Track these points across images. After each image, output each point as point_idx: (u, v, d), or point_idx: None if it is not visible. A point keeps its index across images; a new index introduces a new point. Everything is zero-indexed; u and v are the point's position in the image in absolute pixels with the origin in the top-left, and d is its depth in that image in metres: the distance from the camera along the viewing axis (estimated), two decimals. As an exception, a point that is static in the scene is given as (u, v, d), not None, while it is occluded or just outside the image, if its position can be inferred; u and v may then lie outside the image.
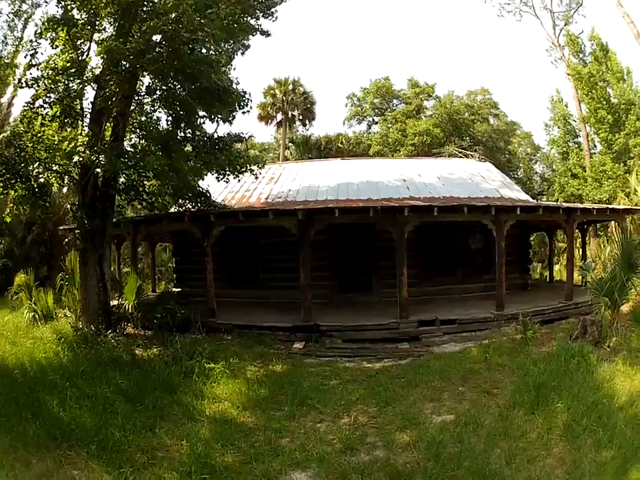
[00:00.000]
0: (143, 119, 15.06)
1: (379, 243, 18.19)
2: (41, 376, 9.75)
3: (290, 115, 48.05)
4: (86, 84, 12.42)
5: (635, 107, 30.81)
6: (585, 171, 34.10)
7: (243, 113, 15.34)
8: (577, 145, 38.03)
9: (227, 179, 16.43)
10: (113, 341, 12.13)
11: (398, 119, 49.20)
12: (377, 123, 54.10)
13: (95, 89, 12.89)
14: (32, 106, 12.61)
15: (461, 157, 30.89)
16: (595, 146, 35.88)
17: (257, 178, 17.71)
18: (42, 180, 13.31)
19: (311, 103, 48.78)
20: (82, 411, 8.22)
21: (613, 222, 21.81)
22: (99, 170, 12.86)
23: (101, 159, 11.82)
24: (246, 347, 12.73)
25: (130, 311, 13.36)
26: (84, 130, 12.93)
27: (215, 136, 15.55)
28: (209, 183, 17.59)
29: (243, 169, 16.12)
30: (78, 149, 11.65)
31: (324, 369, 11.26)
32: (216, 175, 16.14)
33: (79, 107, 13.11)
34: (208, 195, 16.49)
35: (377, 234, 17.97)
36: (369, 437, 7.73)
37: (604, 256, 21.44)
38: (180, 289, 21.66)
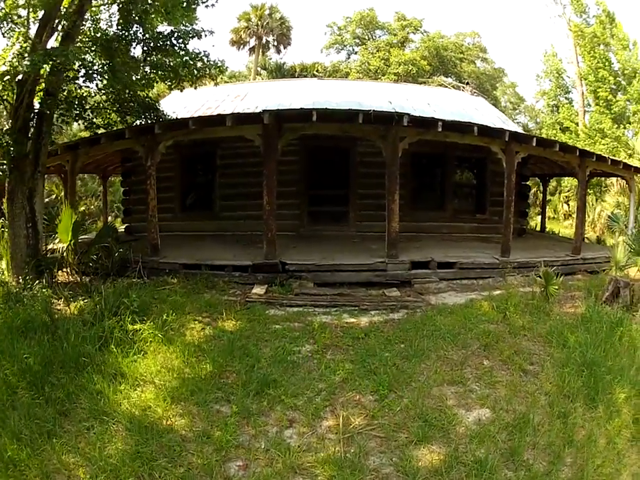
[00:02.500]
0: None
1: (359, 168, 15.84)
2: None
3: (264, 41, 46.25)
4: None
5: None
6: (578, 126, 33.25)
7: (207, 6, 12.84)
8: (568, 101, 37.39)
9: (182, 86, 13.90)
10: (39, 294, 9.28)
11: (381, 48, 47.02)
12: (357, 53, 51.77)
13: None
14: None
15: (451, 88, 28.82)
16: (589, 105, 34.78)
17: (217, 84, 15.10)
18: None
19: (287, 29, 46.75)
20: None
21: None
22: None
23: (24, 63, 9.43)
24: (192, 294, 9.99)
25: (65, 254, 10.90)
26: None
27: (167, 32, 12.82)
28: (165, 105, 15.12)
29: (200, 73, 13.39)
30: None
31: (292, 325, 8.53)
32: (168, 82, 13.52)
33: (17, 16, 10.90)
34: (157, 106, 13.83)
35: (358, 157, 15.94)
36: (372, 457, 5.10)
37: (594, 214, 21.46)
38: (128, 224, 18.68)
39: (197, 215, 17.25)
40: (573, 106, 36.24)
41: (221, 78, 42.00)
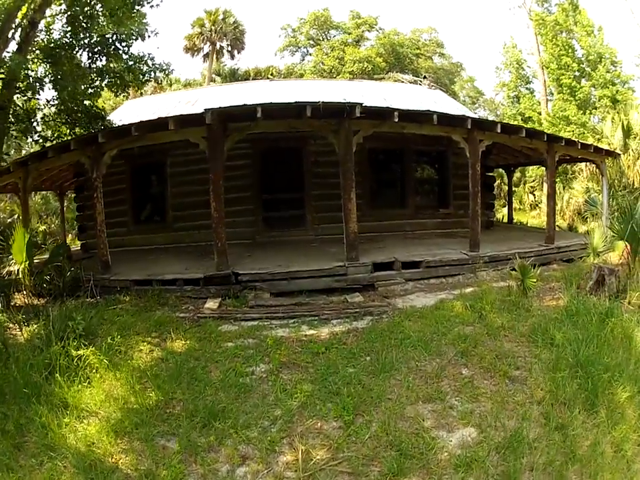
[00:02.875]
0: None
1: (314, 168, 14.96)
2: None
3: (218, 46, 45.20)
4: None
5: (606, 61, 30.92)
6: (541, 115, 33.80)
7: (151, 6, 12.45)
8: (529, 91, 38.03)
9: (127, 92, 13.62)
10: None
11: (336, 47, 46.36)
12: (311, 54, 51.12)
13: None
14: None
15: (408, 83, 28.29)
16: (552, 93, 35.26)
17: (161, 88, 14.42)
18: None
19: (241, 33, 45.75)
20: None
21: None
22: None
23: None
24: (143, 312, 9.10)
25: (21, 275, 9.85)
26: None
27: (110, 35, 12.33)
28: (118, 114, 14.95)
29: (145, 78, 13.08)
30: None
31: (246, 341, 7.59)
32: (115, 88, 13.10)
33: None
34: (104, 115, 13.37)
35: (312, 156, 15.05)
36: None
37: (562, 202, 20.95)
38: (84, 241, 17.60)
39: (151, 227, 16.18)
40: (534, 96, 36.80)
41: (177, 85, 41.94)
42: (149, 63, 12.79)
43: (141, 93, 13.59)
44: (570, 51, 31.63)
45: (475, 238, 11.56)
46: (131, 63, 12.37)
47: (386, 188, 16.72)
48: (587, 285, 9.05)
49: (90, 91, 12.48)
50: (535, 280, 8.99)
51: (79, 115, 12.46)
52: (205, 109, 9.78)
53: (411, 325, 7.72)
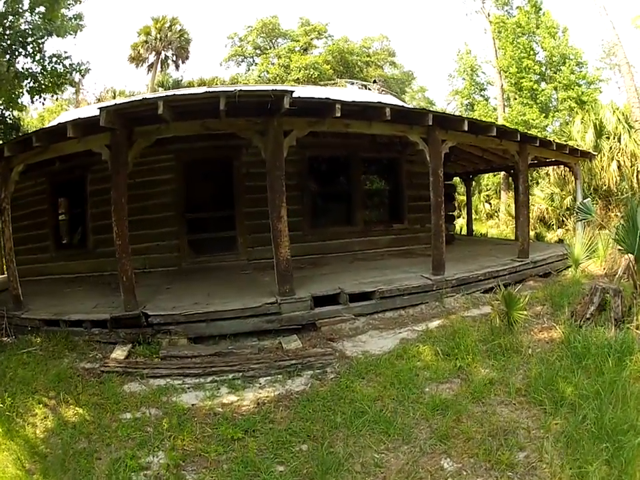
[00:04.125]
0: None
1: (246, 181, 12.78)
2: None
3: (163, 56, 43.79)
4: None
5: (571, 62, 30.73)
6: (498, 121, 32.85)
7: None
8: (483, 98, 37.81)
9: (43, 98, 13.03)
10: None
11: (282, 55, 44.67)
12: (257, 64, 49.27)
13: None
14: None
15: (358, 88, 26.65)
16: (509, 99, 34.63)
17: (78, 90, 13.04)
18: None
19: (187, 41, 44.29)
20: None
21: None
22: None
23: None
24: (51, 358, 7.76)
25: None
26: None
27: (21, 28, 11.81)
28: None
29: (62, 80, 12.65)
30: None
31: (147, 412, 5.84)
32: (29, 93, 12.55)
33: None
34: (18, 126, 13.19)
35: (243, 168, 12.84)
36: None
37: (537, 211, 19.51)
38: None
39: (72, 253, 14.18)
40: (489, 103, 36.75)
41: (121, 97, 39.92)
42: (65, 63, 12.17)
43: (57, 98, 12.37)
44: (531, 53, 31.28)
45: (439, 258, 9.62)
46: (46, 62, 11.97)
47: (330, 202, 14.72)
48: (584, 310, 7.19)
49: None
50: (523, 312, 7.20)
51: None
52: (98, 108, 7.74)
53: (364, 386, 5.75)
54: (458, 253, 12.45)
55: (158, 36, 41.90)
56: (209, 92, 7.75)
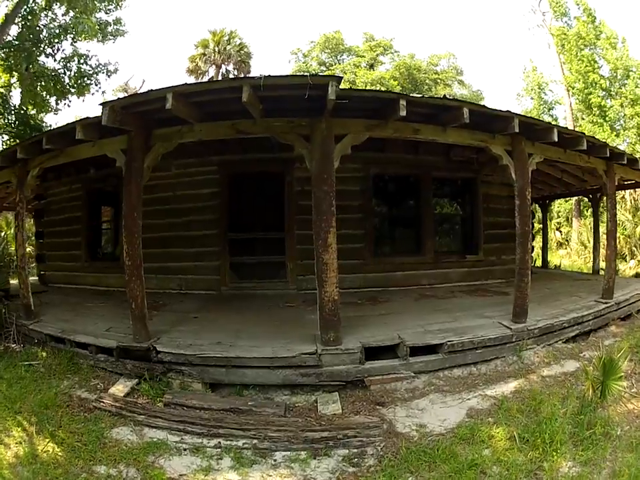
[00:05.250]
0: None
1: (300, 199, 11.11)
2: None
3: (224, 69, 42.17)
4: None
5: (635, 74, 27.81)
6: None
7: None
8: (552, 118, 34.56)
9: (69, 100, 12.87)
10: None
11: (347, 70, 43.02)
12: None
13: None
14: None
15: None
16: (577, 118, 32.09)
17: (103, 93, 12.73)
18: None
19: (247, 55, 42.54)
20: None
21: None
22: None
23: None
24: (49, 378, 7.13)
25: None
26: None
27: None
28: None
29: (86, 82, 12.45)
30: None
31: (124, 472, 4.83)
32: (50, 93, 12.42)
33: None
34: (39, 124, 12.76)
35: (296, 184, 11.21)
36: None
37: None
38: (42, 272, 15.21)
39: (105, 266, 13.39)
40: (558, 123, 33.46)
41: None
42: (91, 63, 12.24)
43: (83, 100, 12.12)
44: (596, 66, 28.69)
45: (523, 302, 7.74)
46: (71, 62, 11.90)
47: (396, 228, 13.03)
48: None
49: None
50: (622, 383, 5.72)
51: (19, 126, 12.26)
52: (100, 104, 6.46)
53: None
54: (537, 291, 10.26)
55: (216, 49, 40.95)
56: (230, 79, 6.21)
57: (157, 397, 6.33)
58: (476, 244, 12.56)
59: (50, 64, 12.08)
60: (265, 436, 5.21)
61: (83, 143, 7.62)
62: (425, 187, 12.15)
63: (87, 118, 7.11)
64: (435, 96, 7.19)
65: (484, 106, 7.20)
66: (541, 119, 27.01)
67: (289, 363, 6.39)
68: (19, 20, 11.42)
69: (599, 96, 28.13)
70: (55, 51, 11.56)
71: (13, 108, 11.69)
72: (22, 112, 11.75)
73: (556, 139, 7.70)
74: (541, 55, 62.63)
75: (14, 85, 12.35)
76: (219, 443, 5.27)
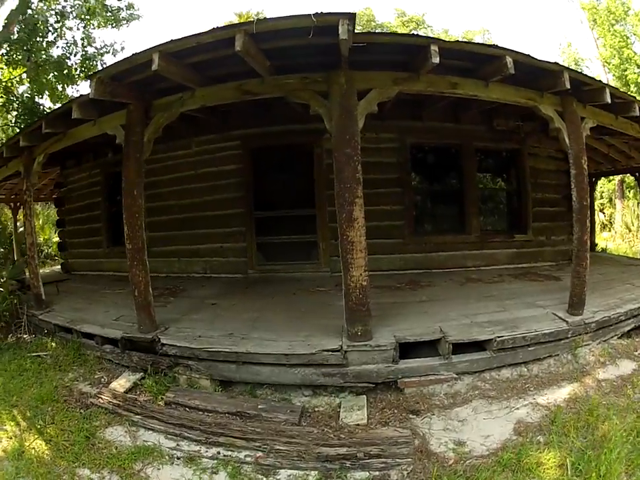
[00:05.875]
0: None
1: (330, 172, 10.01)
2: None
3: None
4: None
5: None
6: None
7: None
8: None
9: (77, 85, 13.47)
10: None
11: None
12: None
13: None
14: None
15: None
16: None
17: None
18: None
19: None
20: None
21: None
22: None
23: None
24: (53, 370, 6.83)
25: None
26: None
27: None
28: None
29: (92, 64, 12.62)
30: None
31: None
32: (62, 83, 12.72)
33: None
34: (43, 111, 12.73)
35: (325, 156, 9.88)
36: None
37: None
38: (64, 261, 15.15)
39: (125, 251, 12.51)
40: None
41: None
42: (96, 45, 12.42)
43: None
44: (629, 42, 27.28)
45: (581, 290, 6.62)
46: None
47: (438, 204, 11.73)
48: None
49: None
50: None
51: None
52: (87, 77, 6.75)
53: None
54: (588, 277, 9.36)
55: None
56: (221, 27, 5.23)
57: (160, 394, 5.68)
58: (524, 222, 11.30)
59: (55, 52, 12.15)
60: (272, 449, 4.41)
61: (84, 123, 7.17)
62: (467, 158, 10.93)
63: (82, 96, 6.62)
64: (479, 45, 6.09)
65: (529, 55, 6.05)
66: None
67: (308, 361, 5.49)
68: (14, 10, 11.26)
69: (634, 72, 26.81)
70: (57, 38, 11.52)
71: (22, 100, 11.74)
72: (32, 103, 11.69)
73: (609, 100, 6.62)
74: (574, 31, 59.98)
75: (24, 80, 12.54)
76: (218, 453, 4.55)
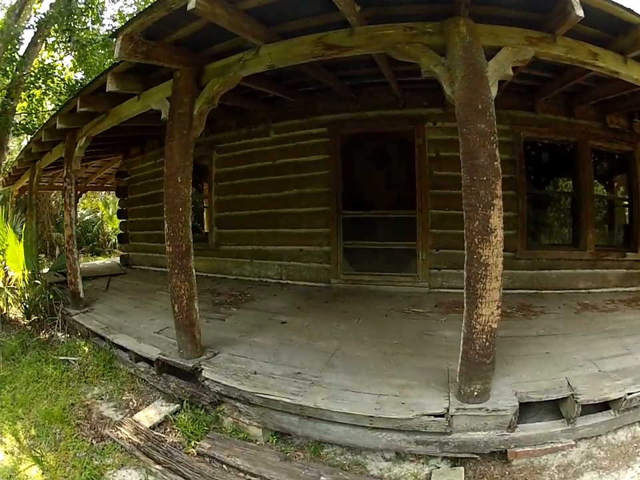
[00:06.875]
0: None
1: (434, 167, 8.78)
2: None
3: None
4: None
5: None
6: None
7: None
8: None
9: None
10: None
11: None
12: None
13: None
14: None
15: None
16: None
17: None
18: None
19: None
20: None
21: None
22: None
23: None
24: (76, 380, 6.08)
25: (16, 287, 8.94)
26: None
27: None
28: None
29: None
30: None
31: None
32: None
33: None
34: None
35: (428, 148, 8.61)
36: None
37: None
38: (124, 253, 14.66)
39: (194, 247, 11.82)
40: None
41: None
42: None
43: None
44: None
45: None
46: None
47: (550, 212, 10.14)
48: None
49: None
50: None
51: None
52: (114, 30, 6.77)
53: None
54: None
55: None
56: None
57: (194, 439, 4.55)
58: (635, 238, 9.29)
59: (102, 30, 12.15)
60: None
61: (128, 99, 6.39)
62: (584, 159, 8.98)
63: (116, 64, 5.55)
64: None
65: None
66: None
67: (399, 426, 4.07)
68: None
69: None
70: (97, 16, 11.42)
71: (69, 83, 11.61)
72: (80, 86, 11.44)
73: None
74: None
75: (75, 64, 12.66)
76: None
